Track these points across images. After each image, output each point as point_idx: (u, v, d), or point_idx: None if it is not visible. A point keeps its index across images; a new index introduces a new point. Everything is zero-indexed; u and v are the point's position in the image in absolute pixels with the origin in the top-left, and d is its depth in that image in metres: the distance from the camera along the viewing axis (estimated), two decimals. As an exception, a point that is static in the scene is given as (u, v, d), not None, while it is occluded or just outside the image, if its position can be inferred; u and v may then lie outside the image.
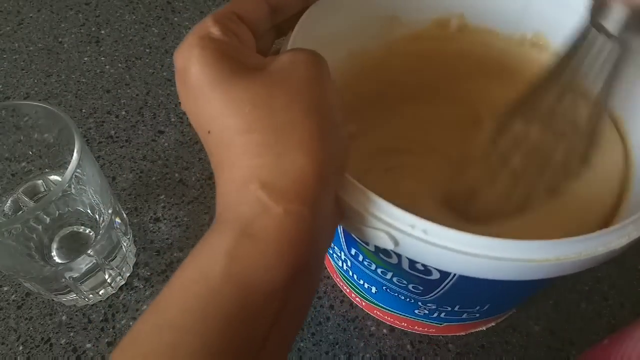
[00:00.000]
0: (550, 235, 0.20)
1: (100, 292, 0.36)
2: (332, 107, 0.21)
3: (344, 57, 0.33)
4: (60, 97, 0.47)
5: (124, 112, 0.47)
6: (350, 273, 0.32)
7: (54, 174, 0.36)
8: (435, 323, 0.32)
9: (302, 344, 0.35)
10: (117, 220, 0.35)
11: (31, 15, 0.54)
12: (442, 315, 0.30)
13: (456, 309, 0.29)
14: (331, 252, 0.33)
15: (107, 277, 0.35)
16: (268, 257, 0.18)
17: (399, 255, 0.24)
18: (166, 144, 0.44)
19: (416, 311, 0.31)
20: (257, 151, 0.19)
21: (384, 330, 0.35)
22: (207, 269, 0.18)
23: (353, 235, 0.25)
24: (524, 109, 0.29)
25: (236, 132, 0.19)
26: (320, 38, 0.28)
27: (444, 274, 0.24)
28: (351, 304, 0.36)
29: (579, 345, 0.35)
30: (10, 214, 0.35)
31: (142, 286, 0.37)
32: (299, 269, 0.19)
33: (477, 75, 0.36)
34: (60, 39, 0.52)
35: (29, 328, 0.35)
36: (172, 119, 0.46)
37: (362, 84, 0.35)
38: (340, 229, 0.27)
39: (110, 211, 0.33)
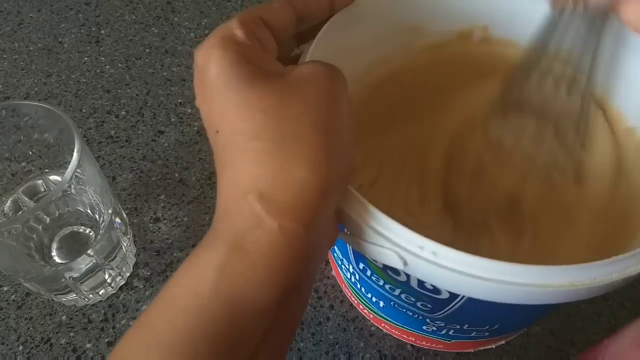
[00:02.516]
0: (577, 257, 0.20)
1: (100, 292, 0.36)
2: (342, 125, 0.20)
3: (365, 65, 0.32)
4: (60, 97, 0.47)
5: (124, 112, 0.47)
6: (359, 286, 0.32)
7: (54, 174, 0.36)
8: (444, 340, 0.32)
9: (302, 344, 0.35)
10: (117, 220, 0.35)
11: (31, 15, 0.54)
12: (451, 332, 0.30)
13: (465, 327, 0.28)
14: (340, 263, 0.32)
15: (107, 277, 0.35)
16: (258, 273, 0.18)
17: (408, 274, 0.23)
18: (166, 144, 0.44)
19: (424, 327, 0.30)
20: (260, 160, 0.19)
21: (384, 330, 0.35)
22: (196, 284, 0.18)
23: None
24: (509, 102, 0.29)
25: (243, 137, 0.19)
26: (341, 47, 0.28)
27: (454, 294, 0.23)
28: (351, 304, 0.36)
29: (579, 345, 0.35)
30: (10, 214, 0.35)
31: (142, 286, 0.37)
32: (289, 288, 0.19)
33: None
34: (60, 39, 0.52)
35: (29, 328, 0.35)
36: (172, 119, 0.46)
37: (383, 93, 0.35)
38: (348, 245, 0.27)
39: (110, 211, 0.33)
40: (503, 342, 0.34)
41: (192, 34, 0.53)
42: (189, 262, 0.19)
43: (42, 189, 0.36)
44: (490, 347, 0.34)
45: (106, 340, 0.35)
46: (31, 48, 0.51)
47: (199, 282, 0.18)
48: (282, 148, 0.19)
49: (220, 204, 0.20)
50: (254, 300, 0.18)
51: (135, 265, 0.38)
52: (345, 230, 0.23)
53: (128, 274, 0.37)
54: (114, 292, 0.37)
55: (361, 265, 0.28)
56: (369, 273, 0.28)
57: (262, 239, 0.18)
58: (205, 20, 0.55)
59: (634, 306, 0.36)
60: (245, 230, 0.18)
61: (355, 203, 0.21)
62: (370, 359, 0.34)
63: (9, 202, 0.35)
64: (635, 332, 0.24)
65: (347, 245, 0.27)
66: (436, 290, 0.23)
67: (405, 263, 0.21)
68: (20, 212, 0.35)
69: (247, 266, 0.18)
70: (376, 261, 0.24)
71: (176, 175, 0.43)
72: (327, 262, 0.38)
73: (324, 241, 0.21)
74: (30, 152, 0.34)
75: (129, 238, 0.37)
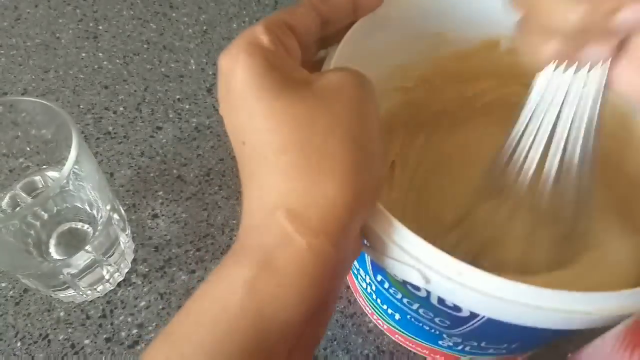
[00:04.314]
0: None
1: (99, 288, 0.36)
2: (372, 137, 0.20)
3: (387, 71, 0.32)
4: (57, 93, 0.47)
5: (121, 108, 0.46)
6: (374, 297, 0.31)
7: (52, 170, 0.36)
8: (459, 354, 0.31)
9: (300, 340, 0.35)
10: (115, 216, 0.35)
11: (29, 10, 0.54)
12: (467, 348, 0.29)
13: (482, 345, 0.28)
14: (356, 272, 0.32)
15: (105, 273, 0.35)
16: (287, 292, 0.18)
17: (428, 291, 0.23)
18: (164, 140, 0.44)
19: (440, 342, 0.30)
20: (290, 175, 0.18)
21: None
22: (223, 300, 0.18)
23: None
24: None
25: (271, 149, 0.19)
26: (365, 52, 0.27)
27: (474, 314, 0.23)
28: (349, 300, 0.36)
29: (577, 342, 0.35)
30: (8, 210, 0.35)
31: (140, 282, 0.37)
32: (316, 305, 0.18)
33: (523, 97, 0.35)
34: (57, 35, 0.52)
35: (27, 324, 0.35)
36: (170, 115, 0.46)
37: (404, 100, 0.35)
38: (367, 256, 0.26)
39: (108, 207, 0.33)
40: (519, 359, 0.34)
41: (190, 30, 0.53)
42: (216, 275, 0.19)
43: (40, 185, 0.36)
44: None
45: (104, 336, 0.35)
46: (29, 44, 0.51)
47: (227, 297, 0.18)
48: (312, 163, 0.18)
49: (246, 216, 0.20)
50: (281, 318, 0.18)
51: (134, 261, 0.38)
52: (367, 242, 0.22)
53: (126, 270, 0.37)
54: (112, 288, 0.37)
55: (379, 278, 0.27)
56: (386, 285, 0.27)
57: (291, 257, 0.18)
58: (203, 16, 0.54)
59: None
60: (274, 247, 0.18)
61: (380, 217, 0.21)
62: (368, 355, 0.34)
63: (6, 198, 0.35)
64: (616, 337, 0.24)
65: (366, 256, 0.27)
66: (457, 308, 0.23)
67: (427, 281, 0.20)
68: (18, 209, 0.35)
69: (276, 284, 0.18)
70: (397, 276, 0.24)
71: (174, 171, 0.43)
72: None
73: (349, 258, 0.20)
74: (28, 148, 0.34)
75: (127, 234, 0.37)
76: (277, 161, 0.19)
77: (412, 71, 0.34)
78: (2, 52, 0.50)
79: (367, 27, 0.27)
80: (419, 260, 0.20)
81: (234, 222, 0.40)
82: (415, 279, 0.20)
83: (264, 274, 0.18)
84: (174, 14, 0.55)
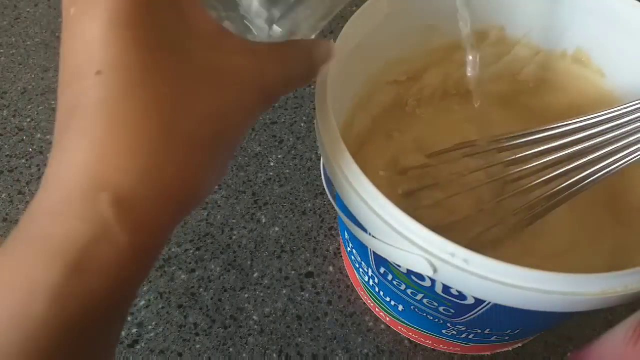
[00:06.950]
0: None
1: (98, 288, 0.36)
2: (238, 141, 0.18)
3: (381, 65, 0.33)
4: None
5: (121, 107, 0.46)
6: (377, 289, 0.31)
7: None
8: (462, 343, 0.32)
9: (299, 339, 0.35)
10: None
11: (28, 9, 0.54)
12: (471, 336, 0.30)
13: (486, 332, 0.28)
14: (357, 266, 0.32)
15: (104, 272, 0.35)
16: (100, 302, 0.15)
17: (433, 280, 0.23)
18: (164, 139, 0.44)
19: (443, 331, 0.30)
20: (126, 146, 0.15)
21: (382, 326, 0.35)
22: (23, 308, 0.14)
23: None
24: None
25: (107, 112, 0.15)
26: (360, 48, 0.28)
27: (479, 300, 0.23)
28: (349, 299, 0.36)
29: (577, 340, 0.35)
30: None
31: (139, 281, 0.37)
32: (121, 309, 0.16)
33: (513, 87, 0.36)
34: (57, 34, 0.52)
35: (26, 323, 0.35)
36: (170, 114, 0.46)
37: (399, 92, 0.35)
38: (370, 249, 0.27)
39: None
40: (520, 344, 0.34)
41: (190, 29, 0.53)
42: (6, 276, 0.15)
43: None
44: (507, 349, 0.34)
45: (104, 335, 0.35)
46: (28, 42, 0.51)
47: (27, 306, 0.14)
48: (166, 146, 0.15)
49: (50, 190, 0.15)
50: (84, 323, 0.15)
51: (133, 260, 0.38)
52: (372, 234, 0.23)
53: (126, 269, 0.37)
54: (111, 287, 0.36)
55: (382, 270, 0.28)
56: (390, 277, 0.27)
57: (109, 256, 0.15)
58: (203, 15, 0.54)
59: (630, 302, 0.36)
60: (88, 242, 0.14)
61: (385, 209, 0.21)
62: (367, 354, 0.34)
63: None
64: (627, 329, 0.24)
65: (368, 248, 0.27)
66: (461, 296, 0.23)
67: (435, 270, 0.21)
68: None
69: (88, 288, 0.14)
70: (400, 266, 0.24)
71: (174, 170, 0.42)
72: (325, 258, 0.38)
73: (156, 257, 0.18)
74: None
75: (126, 233, 0.37)
76: (112, 127, 0.15)
77: (404, 64, 0.34)
78: (1, 50, 0.50)
79: (360, 23, 0.27)
80: (425, 250, 0.20)
81: (234, 221, 0.40)
82: (422, 268, 0.21)
83: (75, 278, 0.14)
84: (173, 13, 0.54)
